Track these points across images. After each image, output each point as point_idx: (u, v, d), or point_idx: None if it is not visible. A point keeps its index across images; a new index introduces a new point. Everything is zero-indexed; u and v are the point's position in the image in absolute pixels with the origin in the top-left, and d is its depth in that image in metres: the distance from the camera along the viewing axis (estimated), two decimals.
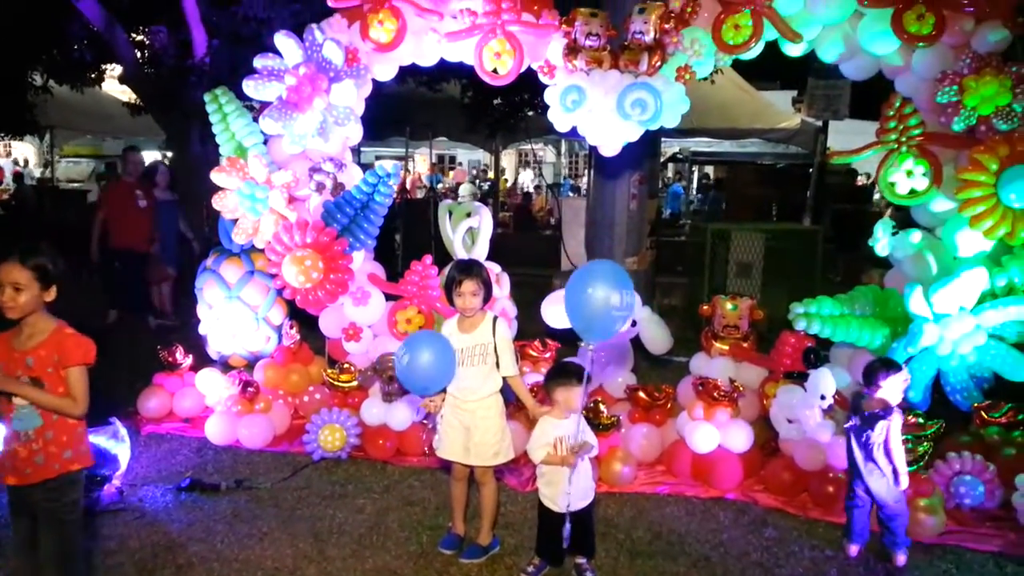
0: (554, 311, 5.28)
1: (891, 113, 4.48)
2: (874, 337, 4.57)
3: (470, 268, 3.72)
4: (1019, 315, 4.37)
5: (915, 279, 4.51)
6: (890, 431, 3.67)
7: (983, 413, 4.73)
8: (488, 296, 3.77)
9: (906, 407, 4.52)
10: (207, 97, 5.63)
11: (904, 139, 4.47)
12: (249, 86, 5.22)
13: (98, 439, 4.34)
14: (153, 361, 5.79)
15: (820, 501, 4.43)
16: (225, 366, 5.94)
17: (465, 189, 19.41)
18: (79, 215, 11.16)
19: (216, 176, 5.32)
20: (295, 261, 5.09)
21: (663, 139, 10.94)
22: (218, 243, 6.10)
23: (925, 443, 4.29)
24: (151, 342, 6.16)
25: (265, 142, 5.53)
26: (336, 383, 5.25)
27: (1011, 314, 4.36)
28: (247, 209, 5.30)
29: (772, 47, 4.84)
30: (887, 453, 3.70)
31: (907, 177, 4.49)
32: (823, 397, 4.42)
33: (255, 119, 5.48)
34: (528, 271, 9.07)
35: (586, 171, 12.28)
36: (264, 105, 5.29)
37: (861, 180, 15.99)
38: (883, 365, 3.79)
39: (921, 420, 4.32)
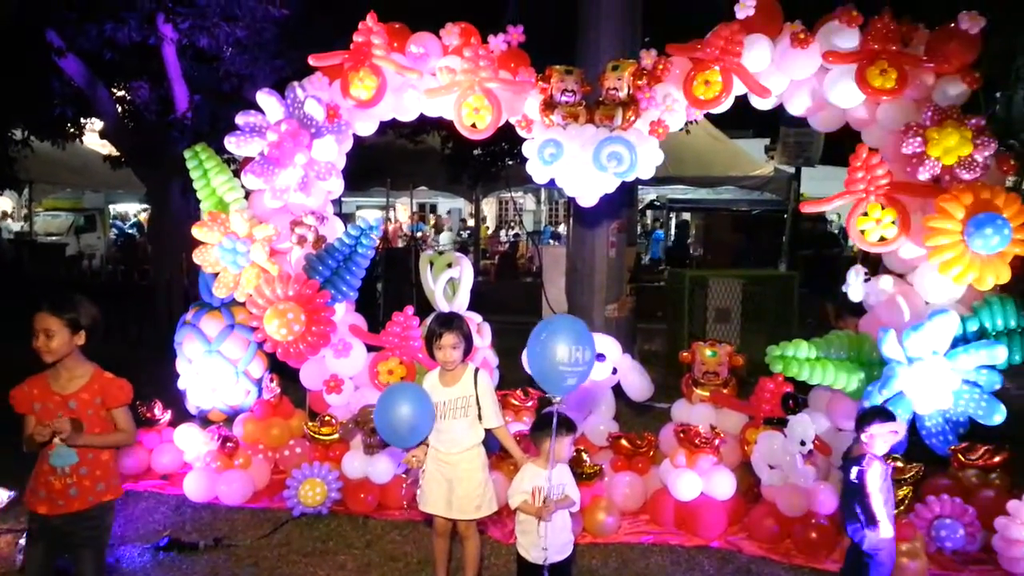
0: None
1: (859, 164, 4.62)
2: (850, 380, 4.64)
3: (450, 321, 3.75)
4: (990, 359, 4.45)
5: (888, 323, 4.60)
6: (865, 477, 3.66)
7: (960, 455, 4.79)
8: (469, 348, 3.79)
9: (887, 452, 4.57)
10: (187, 153, 5.69)
11: (872, 188, 4.60)
12: (231, 142, 5.29)
13: None
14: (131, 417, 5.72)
15: (803, 548, 4.44)
16: (204, 421, 5.88)
17: (445, 237, 19.56)
18: (57, 268, 11.10)
19: (197, 231, 5.35)
20: (277, 314, 5.10)
21: (640, 187, 11.14)
22: (198, 297, 6.09)
23: (904, 487, 4.32)
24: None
25: (247, 196, 5.58)
26: (317, 436, 5.21)
27: (982, 358, 4.44)
28: (228, 263, 5.32)
29: (743, 99, 5.00)
30: (863, 499, 3.69)
31: (876, 225, 4.61)
32: (803, 443, 4.46)
33: (236, 174, 5.54)
34: (510, 319, 9.10)
35: (566, 218, 12.44)
36: (246, 160, 5.36)
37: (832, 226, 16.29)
38: (873, 413, 3.70)
39: (900, 464, 4.37)
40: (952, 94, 4.63)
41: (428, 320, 3.96)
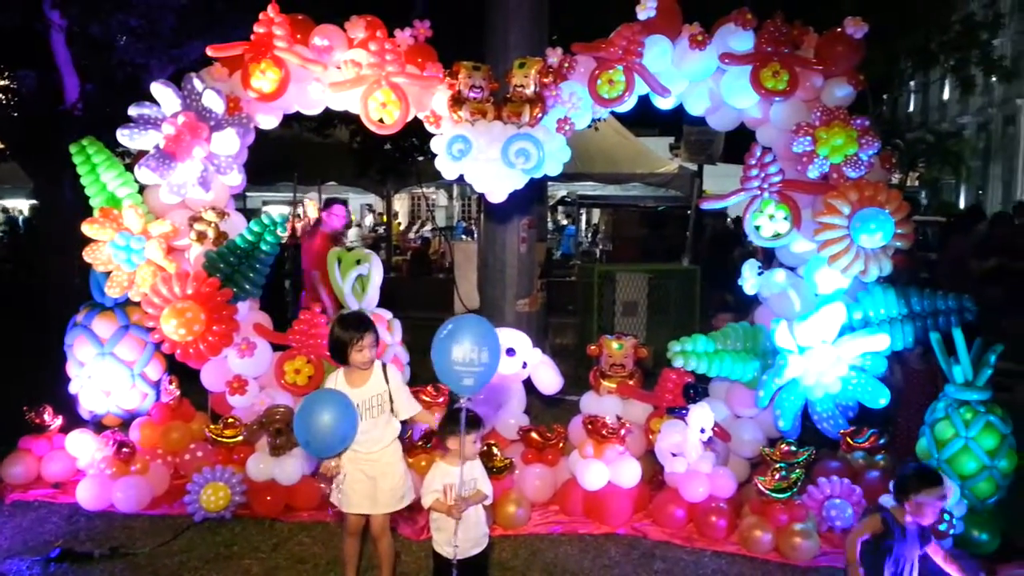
0: None
1: (753, 162, 4.82)
2: (746, 370, 4.85)
3: (366, 322, 3.74)
4: (874, 345, 4.74)
5: (781, 315, 4.82)
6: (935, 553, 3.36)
7: (849, 439, 5.07)
8: (377, 344, 3.78)
9: (778, 436, 4.81)
10: (73, 148, 5.40)
11: (766, 185, 4.81)
12: (123, 135, 5.06)
13: None
14: (19, 423, 5.41)
15: (705, 531, 4.62)
16: (98, 426, 5.62)
17: (354, 233, 19.24)
18: None
19: (87, 228, 5.10)
20: (175, 313, 4.91)
21: (550, 183, 11.26)
22: (89, 297, 5.80)
23: (797, 470, 4.54)
24: (15, 403, 5.76)
25: (141, 191, 5.35)
26: (220, 439, 5.06)
27: (867, 344, 4.72)
28: (121, 261, 5.10)
29: (648, 98, 5.13)
30: None
31: (770, 220, 4.82)
32: (703, 430, 4.63)
33: (129, 168, 5.30)
34: (422, 315, 9.05)
35: (478, 215, 12.46)
36: (140, 154, 5.14)
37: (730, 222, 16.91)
38: (919, 479, 3.32)
39: (793, 448, 4.59)
40: (839, 95, 4.88)
41: (332, 325, 3.87)
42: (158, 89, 5.04)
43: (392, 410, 3.72)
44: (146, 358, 5.68)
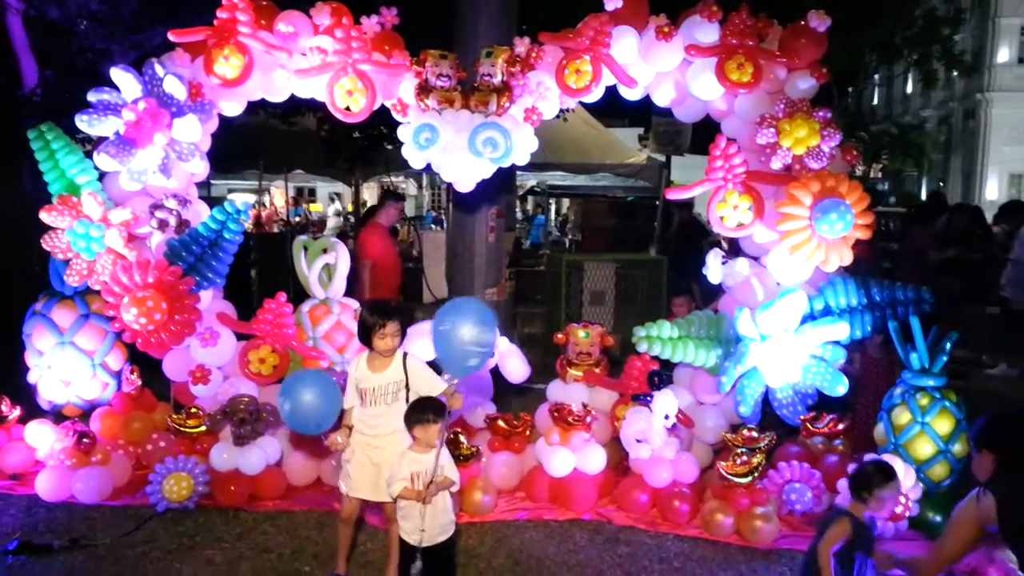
0: (417, 343, 5.28)
1: (718, 153, 4.87)
2: (709, 357, 4.92)
3: (392, 310, 3.80)
4: (834, 334, 4.83)
5: (744, 303, 4.90)
6: None
7: (808, 424, 5.17)
8: (403, 334, 3.85)
9: (740, 423, 4.89)
10: (31, 134, 5.29)
11: (730, 176, 4.86)
12: (83, 121, 4.96)
13: None
14: None
15: (668, 515, 4.69)
16: (58, 416, 5.53)
17: (332, 222, 19.21)
18: None
19: (46, 216, 5.00)
20: (136, 302, 4.84)
21: (520, 173, 11.26)
22: (48, 286, 5.70)
23: (759, 455, 4.63)
24: None
25: (101, 178, 5.26)
26: (183, 429, 5.00)
27: (827, 333, 4.81)
28: (81, 249, 5.00)
29: (616, 89, 5.16)
30: None
31: (734, 211, 4.88)
32: (667, 417, 4.69)
33: (89, 155, 5.20)
34: None
35: (447, 204, 12.43)
36: (100, 140, 5.04)
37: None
38: (876, 474, 3.43)
39: (755, 434, 4.67)
40: (802, 88, 4.94)
41: (359, 312, 4.02)
42: (118, 74, 4.95)
43: (407, 399, 3.74)
44: (107, 347, 5.61)
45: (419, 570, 3.46)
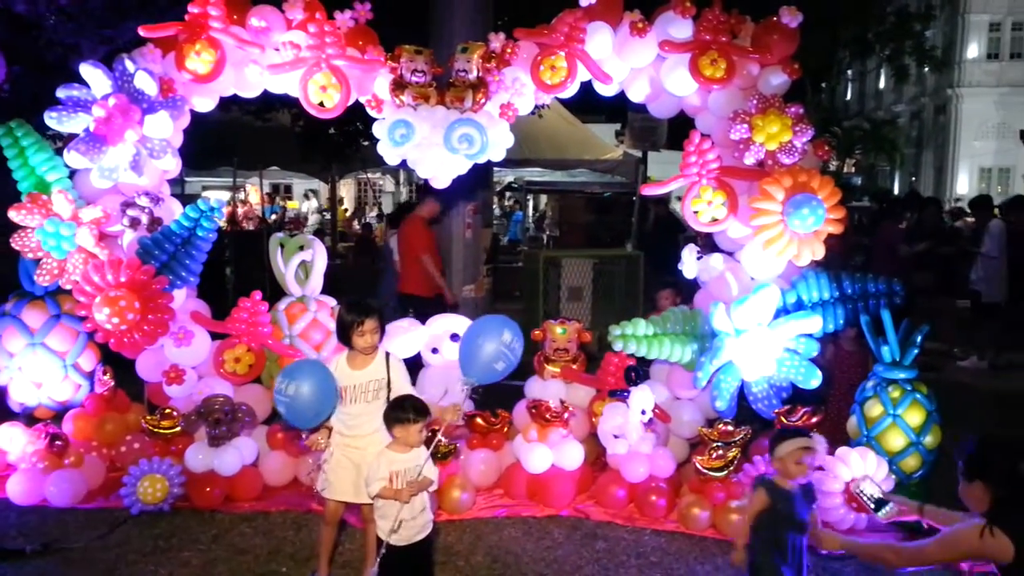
0: (397, 342, 5.25)
1: (692, 149, 4.89)
2: (684, 353, 4.95)
3: (370, 307, 3.76)
4: (808, 328, 4.88)
5: (719, 298, 4.93)
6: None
7: (783, 418, 5.21)
8: (383, 332, 3.83)
9: (716, 417, 4.93)
10: (0, 130, 5.20)
11: (704, 172, 4.89)
12: (52, 118, 4.88)
13: None
14: None
15: (645, 510, 4.72)
16: (29, 419, 5.45)
17: (314, 219, 19.15)
18: None
19: (15, 214, 4.92)
20: (108, 302, 4.77)
21: (497, 169, 11.26)
22: (18, 286, 5.61)
23: (734, 449, 4.67)
24: None
25: (71, 176, 5.18)
26: (157, 430, 4.95)
27: (800, 327, 4.86)
28: (51, 248, 4.93)
29: (591, 85, 5.16)
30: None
31: (708, 206, 4.91)
32: (643, 412, 4.72)
33: (59, 152, 5.12)
34: None
35: None
36: (70, 138, 4.97)
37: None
38: (779, 434, 3.43)
39: (730, 428, 4.71)
40: (775, 83, 4.98)
41: (337, 310, 3.99)
42: (88, 70, 4.87)
43: (388, 399, 3.70)
44: (79, 348, 5.53)
45: (376, 574, 3.42)
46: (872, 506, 2.92)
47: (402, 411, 3.50)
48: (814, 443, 3.29)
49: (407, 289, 7.43)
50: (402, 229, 7.70)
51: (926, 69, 28.39)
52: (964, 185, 32.16)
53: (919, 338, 4.70)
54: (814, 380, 4.92)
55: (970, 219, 9.82)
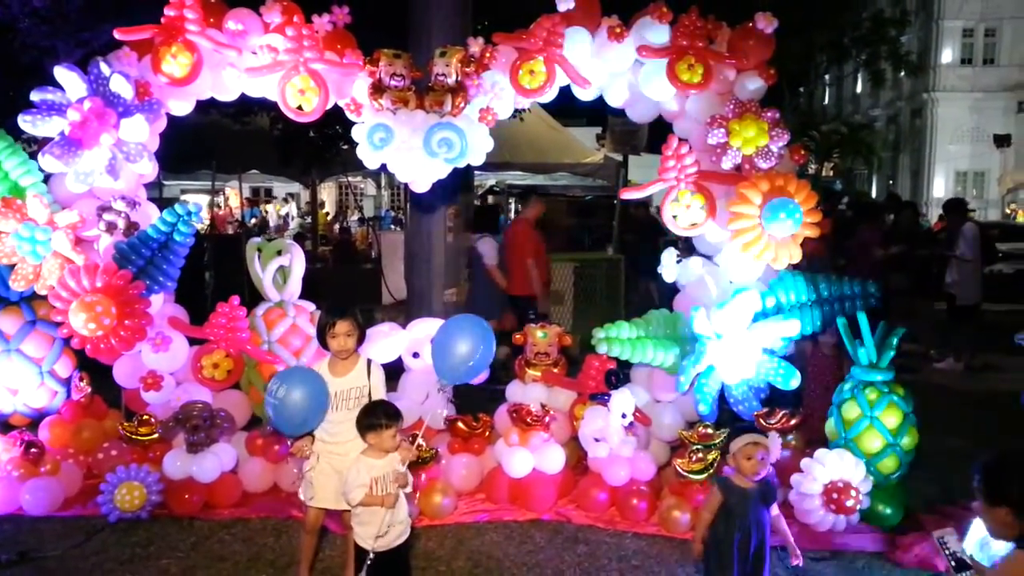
0: (377, 346, 5.23)
1: (670, 153, 4.92)
2: (667, 356, 4.97)
3: (343, 309, 3.74)
4: (786, 331, 4.92)
5: (699, 302, 4.96)
6: None
7: (762, 420, 5.25)
8: (362, 337, 3.79)
9: (696, 420, 4.95)
10: None
11: (682, 176, 4.92)
12: (26, 122, 4.83)
13: None
14: None
15: (626, 514, 4.73)
16: (4, 426, 5.37)
17: (295, 222, 19.07)
18: None
19: None
20: (84, 307, 4.72)
21: (478, 173, 11.26)
22: None
23: (714, 451, 4.69)
24: None
25: (46, 180, 5.12)
26: (134, 437, 4.90)
27: (779, 330, 4.90)
28: (26, 253, 4.86)
29: (570, 89, 5.18)
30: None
31: (686, 210, 4.94)
32: (624, 415, 4.74)
33: (33, 156, 5.07)
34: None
35: (407, 205, 12.35)
36: (45, 141, 4.91)
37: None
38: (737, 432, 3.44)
39: (710, 430, 4.74)
40: (751, 88, 5.02)
41: (319, 313, 4.02)
42: (62, 73, 4.83)
43: None
44: (55, 354, 5.45)
45: None
46: (953, 565, 2.89)
47: (375, 417, 3.46)
48: (764, 439, 3.33)
49: (515, 291, 7.57)
50: (509, 232, 7.88)
51: (902, 74, 28.80)
52: (940, 188, 32.61)
53: (896, 340, 4.75)
54: (793, 380, 4.96)
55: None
